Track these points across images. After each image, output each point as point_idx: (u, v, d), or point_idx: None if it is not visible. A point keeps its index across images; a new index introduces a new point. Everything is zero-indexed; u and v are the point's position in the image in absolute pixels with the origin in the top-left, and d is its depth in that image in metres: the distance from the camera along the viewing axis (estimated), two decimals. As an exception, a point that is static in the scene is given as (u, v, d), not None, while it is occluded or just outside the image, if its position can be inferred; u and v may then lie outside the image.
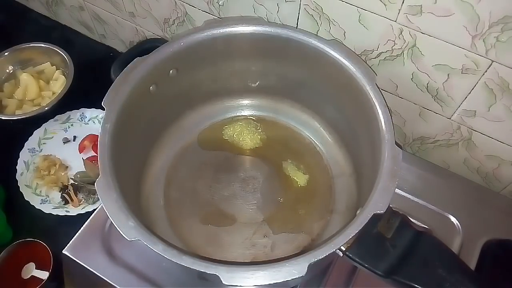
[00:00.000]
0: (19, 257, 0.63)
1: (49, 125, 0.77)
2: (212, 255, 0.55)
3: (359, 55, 0.58)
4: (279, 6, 0.59)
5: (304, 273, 0.40)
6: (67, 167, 0.75)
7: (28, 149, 0.74)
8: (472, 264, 0.56)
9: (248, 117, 0.69)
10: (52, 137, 0.77)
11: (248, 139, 0.67)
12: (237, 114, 0.70)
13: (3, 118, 0.75)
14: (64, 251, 0.57)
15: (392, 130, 0.49)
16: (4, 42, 0.83)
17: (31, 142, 0.75)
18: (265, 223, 0.60)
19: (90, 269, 0.56)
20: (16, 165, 0.72)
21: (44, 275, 0.61)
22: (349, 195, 0.61)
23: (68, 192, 0.70)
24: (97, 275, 0.55)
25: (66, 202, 0.70)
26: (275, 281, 0.40)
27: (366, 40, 0.55)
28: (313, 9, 0.56)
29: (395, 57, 0.55)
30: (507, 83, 0.50)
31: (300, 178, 0.63)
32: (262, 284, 0.40)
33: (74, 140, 0.78)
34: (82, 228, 0.59)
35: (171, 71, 0.58)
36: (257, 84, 0.67)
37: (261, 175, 0.64)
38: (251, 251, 0.57)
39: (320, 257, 0.41)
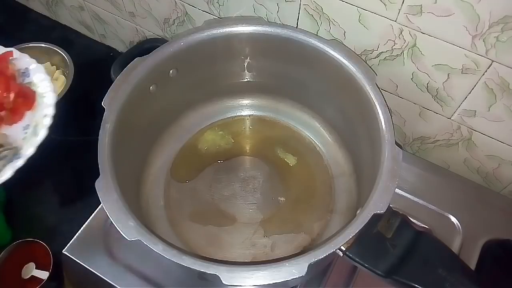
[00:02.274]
0: (19, 257, 0.63)
1: None
2: (212, 255, 0.55)
3: (359, 55, 0.58)
4: (279, 6, 0.59)
5: (304, 273, 0.40)
6: None
7: None
8: (472, 264, 0.56)
9: (209, 125, 0.69)
10: None
11: (223, 143, 0.67)
12: (237, 114, 0.70)
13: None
14: (64, 251, 0.57)
15: (392, 130, 0.49)
16: (4, 42, 0.83)
17: None
18: (265, 223, 0.60)
19: (90, 269, 0.56)
20: None
21: (44, 275, 0.61)
22: (349, 195, 0.61)
23: None
24: (97, 275, 0.55)
25: None
26: (275, 281, 0.40)
27: (366, 40, 0.55)
28: (313, 9, 0.56)
29: (395, 57, 0.55)
30: (507, 83, 0.50)
31: (290, 159, 0.65)
32: (262, 284, 0.40)
33: None
34: (82, 228, 0.59)
35: (171, 71, 0.58)
36: (257, 84, 0.67)
37: (261, 175, 0.64)
38: (251, 251, 0.57)
39: (320, 257, 0.41)
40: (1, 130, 0.56)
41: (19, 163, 0.52)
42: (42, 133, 0.54)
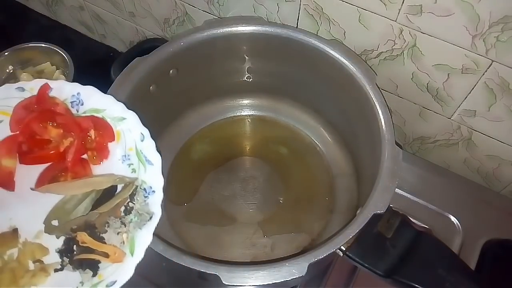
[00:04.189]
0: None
1: None
2: (212, 255, 0.55)
3: (359, 55, 0.58)
4: (279, 6, 0.59)
5: (304, 273, 0.40)
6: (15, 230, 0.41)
7: None
8: (472, 264, 0.56)
9: (209, 125, 0.68)
10: None
11: (212, 150, 0.67)
12: (237, 114, 0.70)
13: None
14: (64, 251, 0.56)
15: (392, 130, 0.49)
16: (4, 42, 0.83)
17: None
18: (265, 223, 0.60)
19: (90, 269, 0.56)
20: None
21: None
22: (349, 195, 0.61)
23: (84, 246, 0.40)
24: (97, 275, 0.55)
25: (95, 269, 0.39)
26: (275, 281, 0.40)
27: (366, 40, 0.55)
28: (313, 9, 0.56)
29: (395, 57, 0.55)
30: (507, 82, 0.50)
31: (282, 150, 0.65)
32: (262, 284, 0.40)
33: None
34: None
35: (171, 71, 0.58)
36: (257, 83, 0.67)
37: (261, 175, 0.64)
38: (251, 251, 0.57)
39: (320, 257, 0.41)
40: (95, 171, 0.46)
41: (158, 197, 0.43)
42: (157, 158, 0.44)
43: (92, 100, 0.47)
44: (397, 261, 0.45)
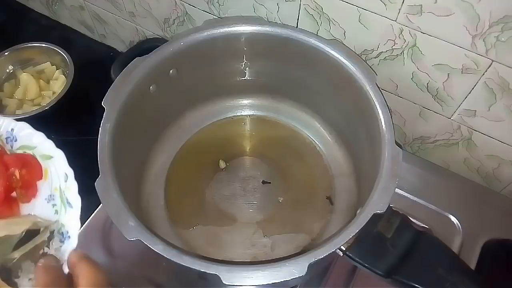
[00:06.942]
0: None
1: None
2: (212, 255, 0.55)
3: (359, 55, 0.58)
4: (279, 6, 0.59)
5: (304, 273, 0.40)
6: None
7: None
8: (472, 264, 0.56)
9: (209, 125, 0.68)
10: None
11: (214, 150, 0.66)
12: (237, 114, 0.70)
13: (3, 118, 0.74)
14: (64, 251, 0.56)
15: (392, 130, 0.49)
16: (4, 42, 0.83)
17: None
18: (265, 223, 0.60)
19: (90, 269, 0.56)
20: None
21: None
22: (349, 195, 0.61)
23: None
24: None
25: None
26: (275, 281, 0.40)
27: (366, 40, 0.55)
28: (313, 9, 0.56)
29: (395, 56, 0.55)
30: (507, 82, 0.50)
31: (282, 150, 0.63)
32: (262, 284, 0.40)
33: None
34: (82, 228, 0.58)
35: (171, 71, 0.58)
36: (257, 83, 0.67)
37: (261, 175, 0.64)
38: (251, 251, 0.57)
39: (320, 257, 0.41)
40: (23, 211, 0.45)
41: (72, 244, 0.40)
42: (77, 201, 0.43)
43: (24, 136, 0.47)
44: (397, 261, 0.45)
